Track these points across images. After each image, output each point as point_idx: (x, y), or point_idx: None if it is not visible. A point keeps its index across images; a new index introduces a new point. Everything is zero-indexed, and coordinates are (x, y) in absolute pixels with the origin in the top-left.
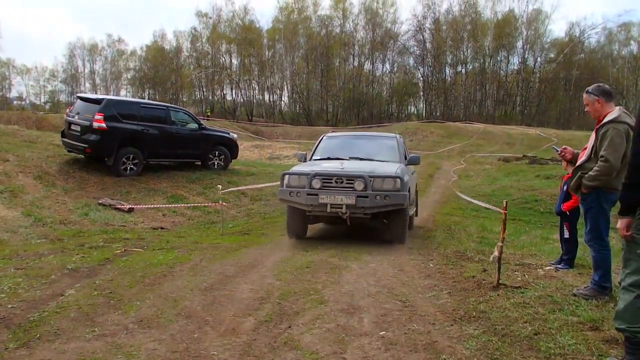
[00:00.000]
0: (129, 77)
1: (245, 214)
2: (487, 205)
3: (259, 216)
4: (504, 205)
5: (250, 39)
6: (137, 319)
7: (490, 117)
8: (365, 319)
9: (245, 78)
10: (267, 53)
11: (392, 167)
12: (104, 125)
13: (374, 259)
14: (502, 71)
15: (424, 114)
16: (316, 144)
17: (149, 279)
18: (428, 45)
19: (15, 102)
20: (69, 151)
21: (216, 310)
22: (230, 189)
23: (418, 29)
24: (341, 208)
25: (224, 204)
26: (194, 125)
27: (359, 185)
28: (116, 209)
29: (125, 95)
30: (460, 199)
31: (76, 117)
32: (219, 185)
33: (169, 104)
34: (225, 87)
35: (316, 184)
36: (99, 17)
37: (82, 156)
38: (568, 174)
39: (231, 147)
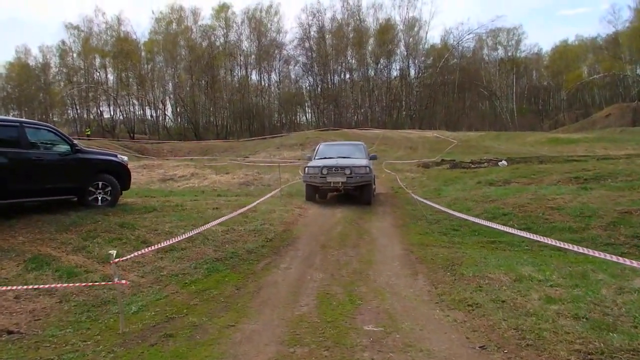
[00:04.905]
0: None
1: (153, 279)
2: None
3: (176, 282)
4: None
5: (127, 51)
6: None
7: (381, 123)
8: None
9: (124, 93)
10: (145, 66)
11: (363, 161)
12: None
13: None
14: (385, 77)
15: (315, 123)
16: (316, 150)
17: None
18: (314, 54)
19: None
20: None
21: None
22: (128, 257)
23: (305, 37)
24: (338, 184)
25: (123, 281)
26: (64, 147)
27: (347, 172)
28: None
29: None
30: (418, 219)
31: None
32: (111, 252)
33: (25, 119)
34: (101, 104)
35: (325, 171)
36: None
37: None
38: None
39: (120, 175)
